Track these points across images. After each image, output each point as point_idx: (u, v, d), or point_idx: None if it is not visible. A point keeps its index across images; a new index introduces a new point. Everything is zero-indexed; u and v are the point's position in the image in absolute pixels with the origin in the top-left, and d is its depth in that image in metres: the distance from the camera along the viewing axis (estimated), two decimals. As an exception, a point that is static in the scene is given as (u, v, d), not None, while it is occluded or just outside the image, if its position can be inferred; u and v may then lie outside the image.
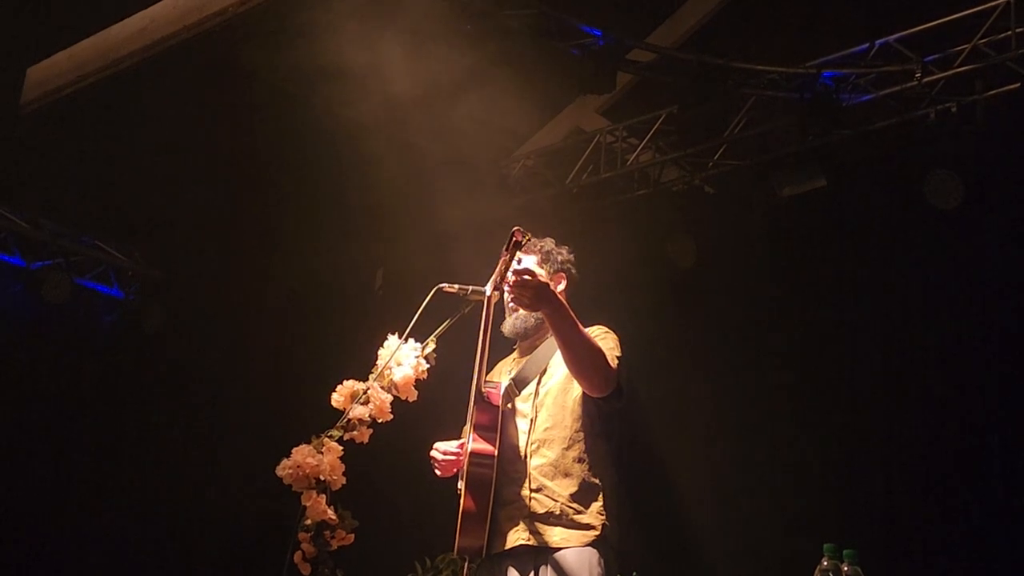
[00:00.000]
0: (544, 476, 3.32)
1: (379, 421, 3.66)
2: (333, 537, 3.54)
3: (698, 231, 7.22)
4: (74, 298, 8.33)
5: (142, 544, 8.07)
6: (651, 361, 6.25)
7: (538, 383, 3.46)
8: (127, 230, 8.64)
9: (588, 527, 3.26)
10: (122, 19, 6.14)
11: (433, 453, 3.49)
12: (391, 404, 3.66)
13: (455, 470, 3.45)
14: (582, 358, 3.25)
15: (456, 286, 3.53)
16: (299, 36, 5.88)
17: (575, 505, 3.28)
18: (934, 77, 6.33)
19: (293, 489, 3.55)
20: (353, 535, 3.59)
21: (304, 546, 3.51)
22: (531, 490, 3.30)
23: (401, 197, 7.05)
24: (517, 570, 3.26)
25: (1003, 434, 5.90)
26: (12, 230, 8.25)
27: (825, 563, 2.85)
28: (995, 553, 5.78)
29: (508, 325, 3.57)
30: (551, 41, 6.56)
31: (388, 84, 5.74)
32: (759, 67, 6.72)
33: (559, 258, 3.63)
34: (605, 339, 3.40)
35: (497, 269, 3.25)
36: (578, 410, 3.39)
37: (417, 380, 3.70)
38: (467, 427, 3.40)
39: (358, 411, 3.62)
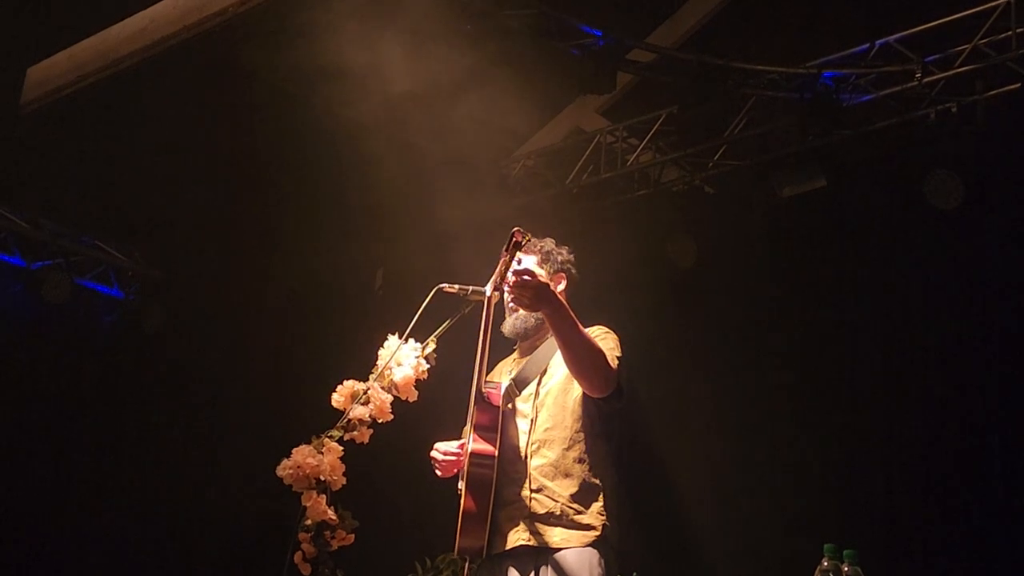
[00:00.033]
0: (544, 476, 3.32)
1: (379, 421, 3.66)
2: (333, 537, 3.53)
3: (698, 231, 7.22)
4: (74, 298, 8.33)
5: (142, 544, 8.07)
6: (651, 361, 6.25)
7: (538, 383, 3.45)
8: (127, 230, 8.65)
9: (588, 527, 3.26)
10: (122, 19, 6.14)
11: (433, 453, 3.49)
12: (391, 404, 3.66)
13: (455, 470, 3.45)
14: (582, 358, 3.25)
15: (456, 286, 3.52)
16: (299, 36, 5.88)
17: (575, 505, 3.28)
18: (934, 77, 6.33)
19: (293, 489, 3.55)
20: (353, 535, 3.58)
21: (304, 546, 3.51)
22: (531, 490, 3.30)
23: (401, 197, 7.05)
24: (517, 570, 3.26)
25: (1003, 434, 5.90)
26: (12, 230, 8.25)
27: (825, 563, 2.85)
28: (995, 553, 5.78)
29: (508, 325, 3.57)
30: (551, 41, 6.57)
31: (388, 84, 5.73)
32: (759, 67, 6.72)
33: (559, 258, 3.63)
34: (605, 339, 3.40)
35: (497, 269, 3.25)
36: (578, 410, 3.39)
37: (417, 380, 3.70)
38: (467, 427, 3.40)
39: (358, 411, 3.62)
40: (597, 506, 3.30)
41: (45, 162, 7.56)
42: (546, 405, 3.42)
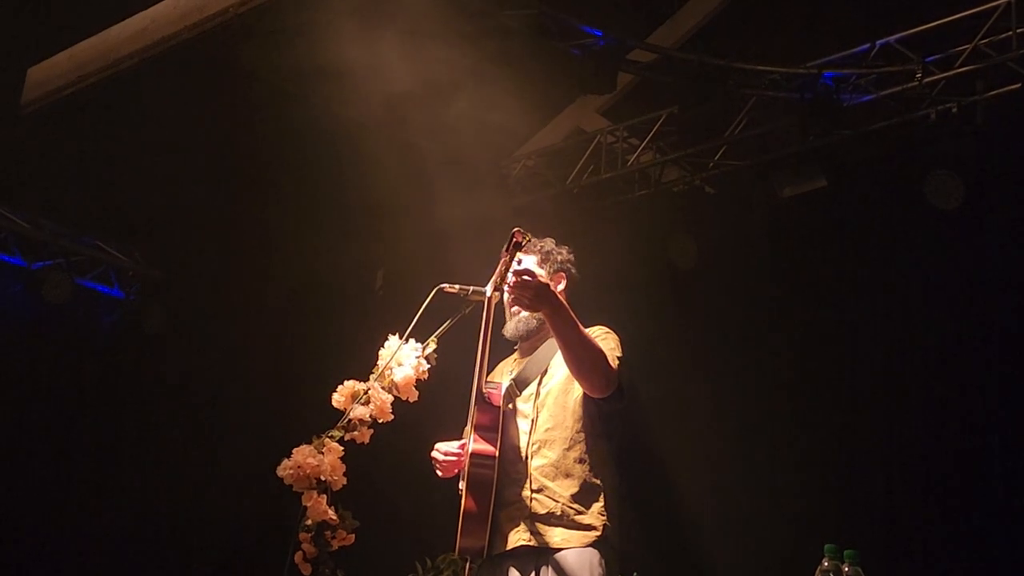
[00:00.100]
0: (545, 477, 3.32)
1: (380, 421, 3.66)
2: (334, 537, 3.53)
3: (698, 231, 7.22)
4: (74, 298, 8.32)
5: (142, 544, 8.07)
6: (651, 361, 6.24)
7: (539, 384, 3.46)
8: (127, 230, 8.64)
9: (589, 528, 3.26)
10: (122, 19, 6.14)
11: (434, 454, 3.49)
12: (392, 404, 3.66)
13: (456, 471, 3.45)
14: (582, 359, 3.25)
15: (457, 286, 3.52)
16: (299, 36, 5.88)
17: (576, 506, 3.28)
18: (935, 77, 6.33)
19: (293, 489, 3.54)
20: (354, 535, 3.58)
21: (305, 546, 3.50)
22: (532, 491, 3.31)
23: (401, 197, 7.04)
24: (518, 570, 3.26)
25: (1003, 434, 5.89)
26: (12, 230, 8.24)
27: (826, 563, 2.85)
28: (995, 553, 5.77)
29: (510, 328, 3.57)
30: (551, 41, 6.56)
31: (388, 84, 5.73)
32: (760, 67, 6.72)
33: (559, 258, 3.64)
34: (606, 339, 3.40)
35: (497, 270, 3.25)
36: (579, 411, 3.39)
37: (418, 380, 3.69)
38: (468, 428, 3.40)
39: (359, 411, 3.62)
40: (598, 506, 3.30)
41: (45, 162, 7.55)
42: (547, 405, 3.42)
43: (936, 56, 6.34)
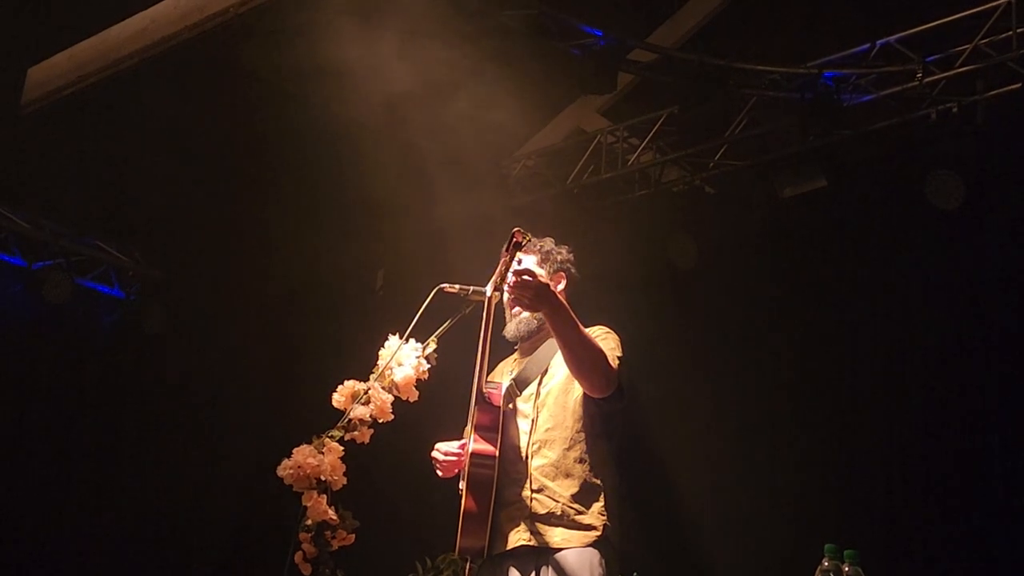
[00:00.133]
0: (545, 477, 3.32)
1: (380, 421, 3.66)
2: (334, 537, 3.53)
3: (698, 231, 7.22)
4: (75, 298, 8.32)
5: (142, 544, 8.07)
6: (651, 361, 6.25)
7: (539, 384, 3.46)
8: (127, 230, 8.64)
9: (589, 528, 3.26)
10: (123, 19, 6.14)
11: (434, 454, 3.49)
12: (392, 404, 3.66)
13: (456, 471, 3.45)
14: (582, 359, 3.25)
15: (457, 286, 3.53)
16: (299, 36, 5.88)
17: (576, 506, 3.28)
18: (935, 77, 6.33)
19: (294, 489, 3.55)
20: (354, 535, 3.58)
21: (305, 546, 3.50)
22: (532, 491, 3.30)
23: (401, 197, 7.04)
24: (518, 570, 3.26)
25: (1003, 434, 5.90)
26: (13, 230, 8.24)
27: (826, 563, 2.85)
28: (995, 553, 5.77)
29: (511, 329, 3.57)
30: (551, 41, 6.56)
31: (388, 84, 5.73)
32: (760, 67, 6.72)
33: (559, 258, 3.63)
34: (606, 339, 3.40)
35: (497, 270, 3.25)
36: (579, 411, 3.39)
37: (418, 380, 3.69)
38: (468, 428, 3.40)
39: (359, 411, 3.62)
40: (598, 506, 3.30)
41: (46, 162, 7.55)
42: (547, 405, 3.42)
43: (936, 56, 6.34)
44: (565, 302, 3.25)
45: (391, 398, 3.66)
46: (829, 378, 6.57)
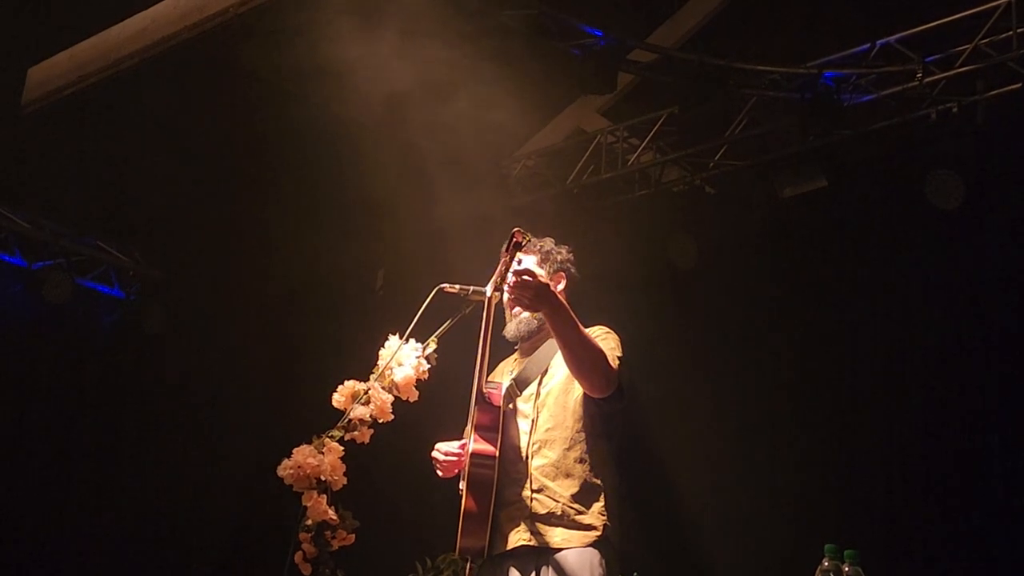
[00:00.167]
0: (545, 477, 3.32)
1: (380, 421, 3.66)
2: (334, 537, 3.53)
3: (699, 231, 7.22)
4: (75, 298, 8.33)
5: (142, 544, 8.07)
6: (651, 361, 6.25)
7: (539, 384, 3.45)
8: (127, 230, 8.64)
9: (589, 528, 3.26)
10: (122, 19, 6.15)
11: (435, 454, 3.48)
12: (392, 404, 3.66)
13: (456, 471, 3.44)
14: (582, 359, 3.25)
15: (457, 286, 3.53)
16: (299, 36, 5.88)
17: (576, 506, 3.28)
18: (935, 77, 6.33)
19: (294, 489, 3.55)
20: (354, 535, 3.59)
21: (305, 546, 3.51)
22: (532, 491, 3.30)
23: (401, 197, 7.04)
24: (518, 570, 3.26)
25: (1003, 434, 5.90)
26: (13, 230, 8.25)
27: (826, 563, 2.85)
28: (995, 553, 5.78)
29: (511, 329, 3.56)
30: (552, 41, 6.56)
31: (388, 84, 5.74)
32: (760, 67, 6.72)
33: (559, 258, 3.63)
34: (606, 339, 3.40)
35: (497, 270, 3.25)
36: (579, 411, 3.38)
37: (418, 380, 3.69)
38: (468, 428, 3.40)
39: (359, 411, 3.62)
40: (598, 506, 3.30)
41: (46, 162, 7.56)
42: (547, 405, 3.42)
43: (936, 56, 6.34)
44: (565, 302, 3.25)
45: (391, 398, 3.66)
46: (829, 378, 6.57)
